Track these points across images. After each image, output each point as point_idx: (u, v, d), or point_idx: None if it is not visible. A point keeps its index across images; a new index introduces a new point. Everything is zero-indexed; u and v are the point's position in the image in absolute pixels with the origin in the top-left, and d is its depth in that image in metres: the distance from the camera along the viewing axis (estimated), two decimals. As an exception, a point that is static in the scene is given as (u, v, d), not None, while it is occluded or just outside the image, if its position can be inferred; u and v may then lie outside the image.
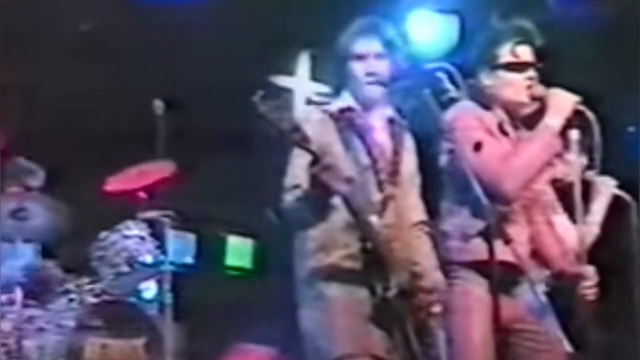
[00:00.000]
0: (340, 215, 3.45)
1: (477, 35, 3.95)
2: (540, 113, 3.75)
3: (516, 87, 3.79)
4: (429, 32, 6.14)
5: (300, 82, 6.46)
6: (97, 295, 5.31)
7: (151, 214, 5.43)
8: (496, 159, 3.63)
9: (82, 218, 5.65)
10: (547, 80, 3.80)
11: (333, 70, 3.72)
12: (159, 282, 5.50)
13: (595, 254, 3.82)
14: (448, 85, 3.44)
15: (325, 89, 3.81)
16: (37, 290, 5.26)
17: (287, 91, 4.91)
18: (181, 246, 6.58)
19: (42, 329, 5.15)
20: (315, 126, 3.50)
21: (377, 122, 3.67)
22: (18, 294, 5.15)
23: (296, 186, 3.40)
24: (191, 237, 7.22)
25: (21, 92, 6.11)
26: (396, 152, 3.66)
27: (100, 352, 5.12)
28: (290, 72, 6.52)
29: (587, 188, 4.04)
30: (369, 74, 3.59)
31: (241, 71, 5.59)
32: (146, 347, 5.21)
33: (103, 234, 5.43)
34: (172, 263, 5.41)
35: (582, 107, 3.67)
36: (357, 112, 3.62)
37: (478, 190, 3.28)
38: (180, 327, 5.59)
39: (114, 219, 5.49)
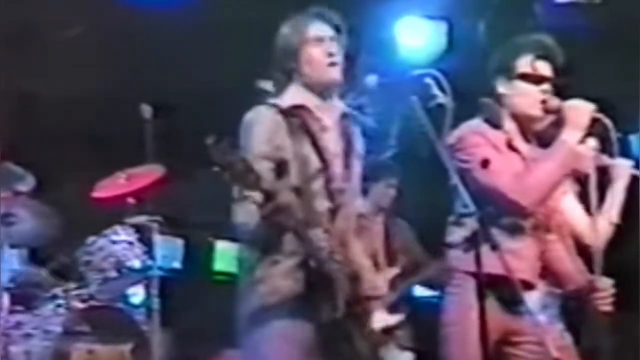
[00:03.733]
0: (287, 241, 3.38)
1: (495, 50, 3.94)
2: (556, 127, 3.74)
3: (530, 98, 3.78)
4: (418, 38, 6.15)
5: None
6: (84, 301, 5.30)
7: (139, 219, 5.44)
8: (506, 174, 3.65)
9: (69, 223, 5.64)
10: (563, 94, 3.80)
11: (281, 62, 3.59)
12: (147, 288, 5.50)
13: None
14: (436, 91, 3.42)
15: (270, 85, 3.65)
16: (24, 295, 5.25)
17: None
18: (169, 251, 6.57)
19: (29, 334, 5.14)
20: (266, 126, 3.45)
21: (329, 121, 3.58)
22: (5, 300, 5.14)
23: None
24: (179, 242, 7.23)
25: (10, 97, 6.11)
26: (347, 155, 3.58)
27: (86, 357, 5.12)
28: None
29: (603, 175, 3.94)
30: (329, 55, 3.52)
31: (230, 75, 5.57)
32: (133, 352, 5.21)
33: (91, 239, 5.42)
34: (159, 268, 5.42)
35: (598, 115, 3.68)
36: (308, 111, 3.54)
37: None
38: (167, 333, 5.58)
39: (101, 224, 5.48)
